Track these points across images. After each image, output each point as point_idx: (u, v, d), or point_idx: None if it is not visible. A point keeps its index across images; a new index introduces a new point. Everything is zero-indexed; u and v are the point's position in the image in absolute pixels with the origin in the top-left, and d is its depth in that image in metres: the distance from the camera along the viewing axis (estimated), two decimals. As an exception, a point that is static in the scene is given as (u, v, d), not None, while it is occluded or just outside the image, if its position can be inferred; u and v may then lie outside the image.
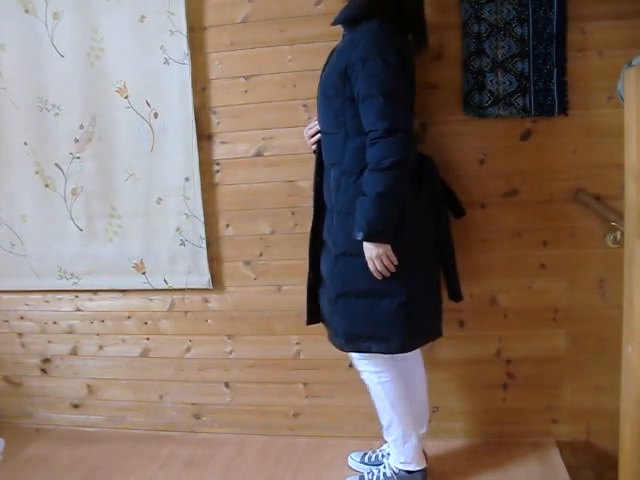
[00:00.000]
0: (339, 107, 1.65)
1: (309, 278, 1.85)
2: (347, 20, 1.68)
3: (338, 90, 1.64)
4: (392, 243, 1.59)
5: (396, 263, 1.60)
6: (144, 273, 2.25)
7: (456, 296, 1.85)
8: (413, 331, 1.69)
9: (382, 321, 1.65)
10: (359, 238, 1.58)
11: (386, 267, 1.59)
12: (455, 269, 1.83)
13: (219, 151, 2.17)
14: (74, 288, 2.34)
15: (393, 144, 1.53)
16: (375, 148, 1.55)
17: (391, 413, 1.81)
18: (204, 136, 2.16)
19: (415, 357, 1.85)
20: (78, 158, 2.23)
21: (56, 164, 2.25)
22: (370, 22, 1.59)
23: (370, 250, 1.58)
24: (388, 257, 1.59)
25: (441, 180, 1.81)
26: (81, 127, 2.20)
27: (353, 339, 1.70)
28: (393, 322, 1.65)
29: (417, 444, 1.82)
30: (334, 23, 1.72)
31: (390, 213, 1.57)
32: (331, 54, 1.76)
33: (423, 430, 1.88)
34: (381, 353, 1.69)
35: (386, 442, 1.92)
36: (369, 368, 1.79)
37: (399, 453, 1.83)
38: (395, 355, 1.72)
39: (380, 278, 1.61)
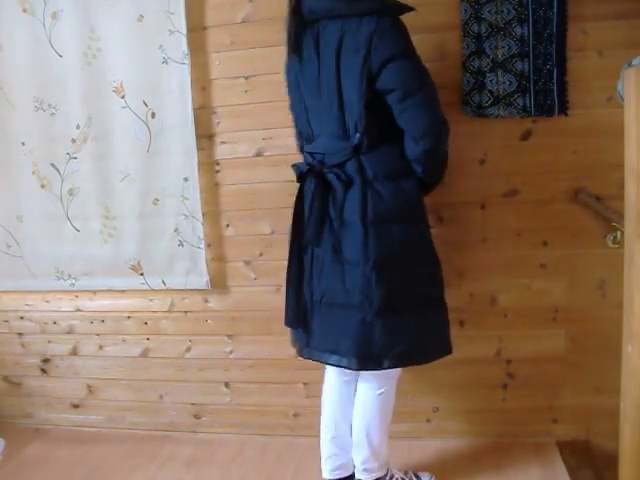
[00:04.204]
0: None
1: (295, 282, 1.74)
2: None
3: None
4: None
5: None
6: (142, 274, 2.25)
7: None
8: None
9: (432, 330, 1.66)
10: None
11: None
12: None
13: (219, 151, 2.17)
14: (72, 289, 2.34)
15: None
16: None
17: (382, 427, 1.77)
18: (204, 136, 2.15)
19: None
20: (75, 158, 2.22)
21: (52, 164, 2.25)
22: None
23: None
24: None
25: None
26: (77, 127, 2.19)
27: (400, 353, 1.62)
28: (442, 329, 1.68)
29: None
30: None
31: None
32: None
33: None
34: (435, 359, 1.67)
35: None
36: (374, 383, 1.73)
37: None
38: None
39: None
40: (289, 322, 1.75)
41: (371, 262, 1.56)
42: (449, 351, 1.69)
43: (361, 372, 1.73)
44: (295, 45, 1.64)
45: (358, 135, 1.58)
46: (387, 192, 1.58)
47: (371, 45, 1.48)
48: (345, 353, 1.63)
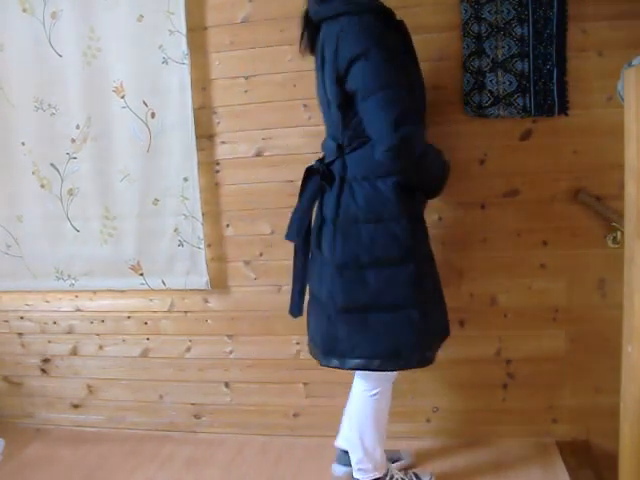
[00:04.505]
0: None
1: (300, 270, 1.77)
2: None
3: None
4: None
5: None
6: (141, 274, 2.25)
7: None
8: (429, 343, 1.65)
9: (392, 336, 1.59)
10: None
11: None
12: None
13: (219, 151, 2.17)
14: (71, 289, 2.34)
15: None
16: None
17: (376, 429, 1.75)
18: (204, 136, 2.15)
19: None
20: (75, 158, 2.22)
21: (52, 164, 2.24)
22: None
23: None
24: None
25: None
26: (77, 127, 2.19)
27: (362, 357, 1.61)
28: (408, 336, 1.59)
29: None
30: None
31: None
32: None
33: None
34: (396, 370, 1.65)
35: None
36: (367, 383, 1.73)
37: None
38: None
39: None
40: (289, 310, 1.79)
41: (336, 261, 1.59)
42: (424, 362, 1.64)
43: (355, 372, 1.73)
44: (304, 46, 1.69)
45: (340, 135, 1.61)
46: (362, 192, 1.58)
47: (338, 46, 1.49)
48: (319, 347, 1.68)
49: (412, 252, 1.59)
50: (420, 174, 1.61)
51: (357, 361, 1.61)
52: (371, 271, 1.57)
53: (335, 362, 1.64)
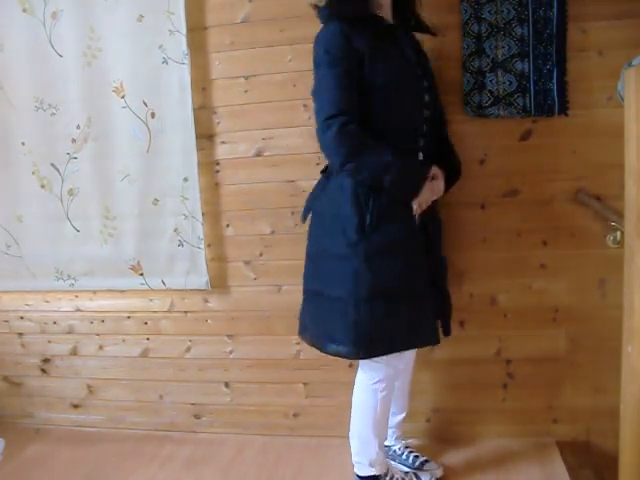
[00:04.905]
0: None
1: None
2: None
3: None
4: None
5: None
6: (141, 274, 2.25)
7: (445, 329, 1.80)
8: (364, 339, 1.60)
9: (330, 323, 1.64)
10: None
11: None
12: (445, 295, 1.81)
13: (219, 151, 2.17)
14: (71, 289, 2.34)
15: None
16: None
17: (374, 425, 1.74)
18: (204, 136, 2.15)
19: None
20: (75, 158, 2.22)
21: (52, 164, 2.24)
22: None
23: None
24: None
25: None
26: (78, 127, 2.19)
27: (313, 334, 1.75)
28: (342, 328, 1.61)
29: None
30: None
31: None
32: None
33: (403, 415, 1.98)
34: (337, 355, 1.67)
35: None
36: (364, 372, 1.74)
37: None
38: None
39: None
40: None
41: (309, 246, 1.75)
42: (368, 356, 1.64)
43: (358, 362, 1.76)
44: None
45: None
46: (332, 187, 1.66)
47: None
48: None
49: (356, 249, 1.59)
50: (360, 174, 1.58)
51: (317, 342, 1.73)
52: (329, 261, 1.66)
53: (307, 336, 1.78)
